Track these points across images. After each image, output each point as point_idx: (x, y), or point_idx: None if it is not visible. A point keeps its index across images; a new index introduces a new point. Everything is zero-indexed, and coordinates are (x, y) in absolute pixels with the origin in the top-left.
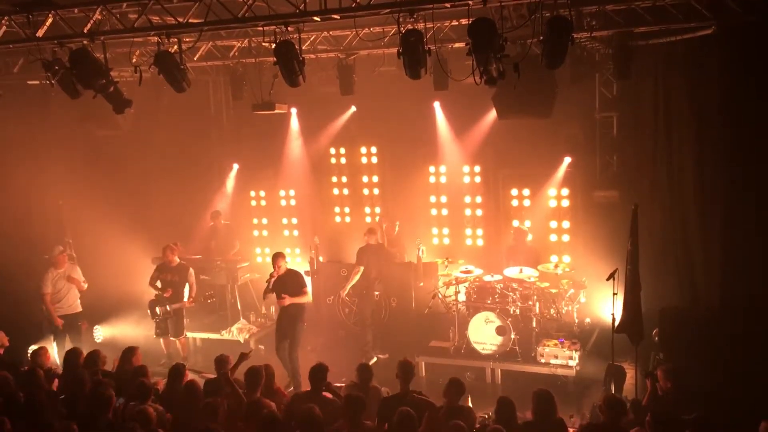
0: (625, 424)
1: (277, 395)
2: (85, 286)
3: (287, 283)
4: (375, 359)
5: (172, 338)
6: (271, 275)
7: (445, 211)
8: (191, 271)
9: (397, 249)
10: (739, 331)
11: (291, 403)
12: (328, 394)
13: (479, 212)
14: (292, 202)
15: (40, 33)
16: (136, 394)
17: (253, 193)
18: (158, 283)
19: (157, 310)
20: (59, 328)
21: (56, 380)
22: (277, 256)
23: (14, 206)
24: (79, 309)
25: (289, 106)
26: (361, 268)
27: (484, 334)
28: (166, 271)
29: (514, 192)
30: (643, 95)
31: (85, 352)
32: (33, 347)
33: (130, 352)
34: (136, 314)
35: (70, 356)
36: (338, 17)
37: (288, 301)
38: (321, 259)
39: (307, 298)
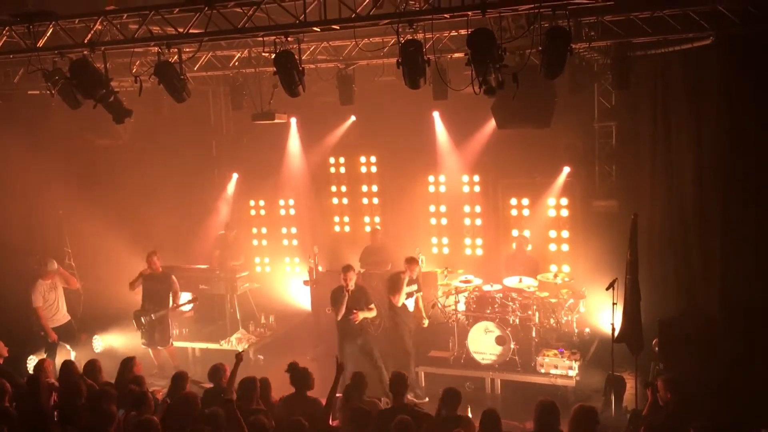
0: None
1: (274, 408)
2: (79, 284)
3: (360, 299)
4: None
5: (159, 347)
6: (345, 289)
7: (444, 221)
8: (174, 278)
9: (379, 256)
10: (738, 340)
11: (279, 406)
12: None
13: (479, 222)
14: (292, 212)
15: (40, 43)
16: (133, 404)
17: (252, 203)
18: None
19: (142, 319)
20: (52, 342)
21: (54, 393)
22: (348, 269)
23: (14, 215)
24: (69, 317)
25: (289, 116)
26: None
27: (483, 343)
28: (150, 279)
29: (514, 201)
30: (641, 105)
31: (82, 362)
32: (32, 357)
33: (130, 362)
34: (134, 324)
35: (67, 367)
36: (338, 28)
37: (361, 316)
38: (320, 268)
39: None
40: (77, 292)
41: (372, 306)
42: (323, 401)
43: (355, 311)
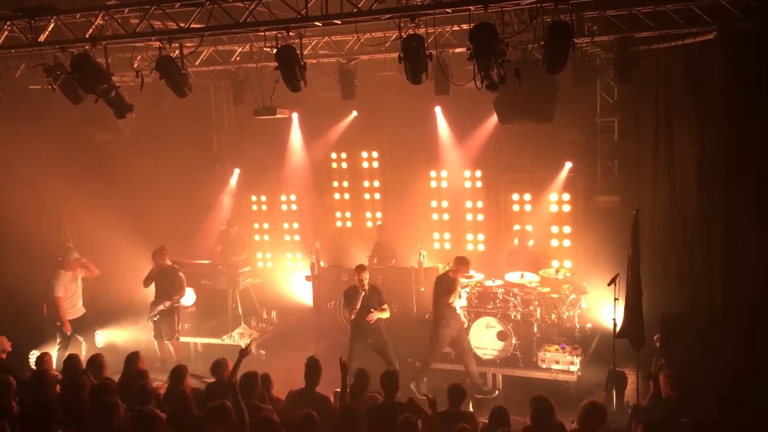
0: None
1: (276, 405)
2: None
3: (374, 299)
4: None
5: (166, 341)
6: (360, 288)
7: (446, 216)
8: (180, 274)
9: (384, 252)
10: (740, 336)
11: (287, 400)
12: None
13: (480, 217)
14: (294, 207)
15: (41, 38)
16: (137, 400)
17: (254, 198)
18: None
19: (153, 312)
20: (67, 334)
21: (58, 386)
22: (362, 269)
23: (14, 211)
24: (84, 310)
25: (291, 111)
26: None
27: (485, 339)
28: (160, 275)
29: (516, 197)
30: (644, 100)
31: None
32: (35, 352)
33: (134, 356)
34: (136, 319)
35: (71, 361)
36: (339, 22)
37: (375, 316)
38: (322, 263)
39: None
40: None
41: (385, 306)
42: (331, 398)
43: (371, 310)
